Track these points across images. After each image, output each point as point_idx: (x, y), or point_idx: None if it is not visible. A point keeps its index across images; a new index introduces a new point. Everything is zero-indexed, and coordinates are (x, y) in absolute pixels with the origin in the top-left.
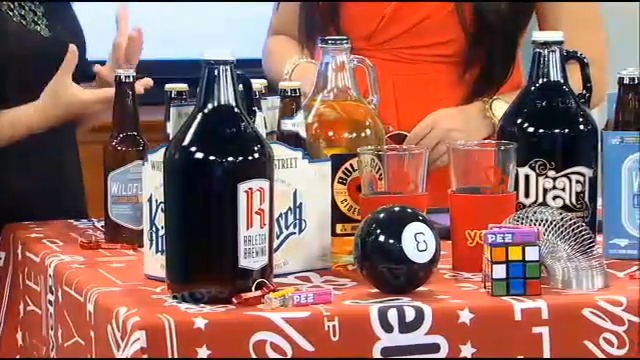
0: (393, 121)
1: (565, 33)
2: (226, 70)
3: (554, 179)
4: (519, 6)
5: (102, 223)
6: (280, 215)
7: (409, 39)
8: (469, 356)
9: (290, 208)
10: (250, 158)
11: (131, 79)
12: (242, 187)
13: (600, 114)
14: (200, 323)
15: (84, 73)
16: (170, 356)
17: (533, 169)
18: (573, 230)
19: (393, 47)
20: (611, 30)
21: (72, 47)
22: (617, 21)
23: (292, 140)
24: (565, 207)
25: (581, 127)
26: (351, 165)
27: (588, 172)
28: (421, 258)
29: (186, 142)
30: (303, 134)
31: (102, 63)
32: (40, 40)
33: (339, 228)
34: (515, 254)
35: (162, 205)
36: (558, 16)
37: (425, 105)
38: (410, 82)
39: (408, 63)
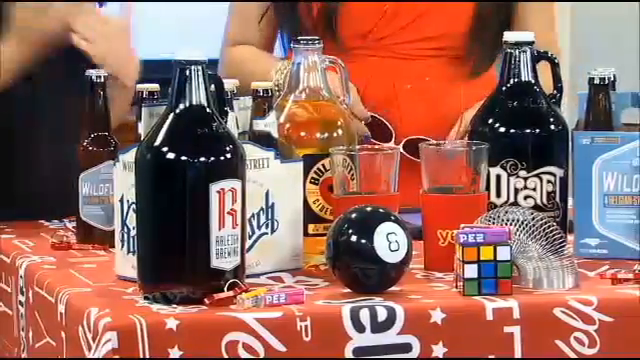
0: (396, 118)
1: (528, 25)
2: (198, 70)
3: (525, 179)
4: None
5: (73, 224)
6: (252, 215)
7: (407, 34)
8: (441, 356)
9: (262, 208)
10: (222, 158)
11: (102, 79)
12: (214, 187)
13: (571, 114)
14: (172, 324)
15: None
16: (142, 357)
17: (504, 169)
18: (544, 230)
19: (390, 43)
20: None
21: None
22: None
23: (264, 140)
24: (536, 207)
25: (552, 127)
26: (323, 165)
27: (559, 172)
28: (393, 258)
29: (158, 142)
30: (275, 134)
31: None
32: None
33: (311, 228)
34: (486, 254)
35: (134, 206)
36: (524, 14)
37: (427, 100)
38: (410, 78)
39: (406, 59)
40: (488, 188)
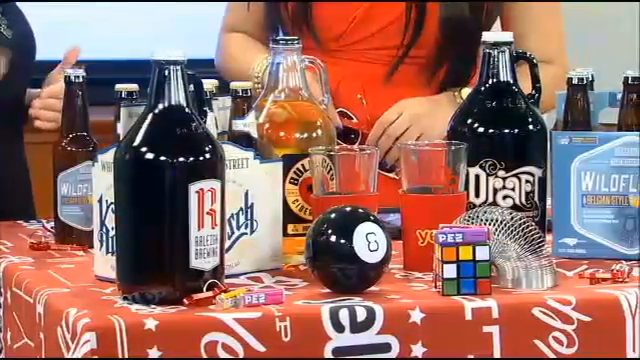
0: (362, 121)
1: (529, 37)
2: (177, 70)
3: (504, 179)
4: (483, 9)
5: (52, 224)
6: (231, 215)
7: (378, 40)
8: (420, 356)
9: (241, 208)
10: (201, 158)
11: (80, 79)
12: (193, 188)
13: (549, 114)
14: (151, 324)
15: (31, 76)
16: (121, 357)
17: (483, 169)
18: (523, 230)
19: (361, 48)
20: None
21: (74, 48)
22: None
23: (243, 140)
24: (515, 207)
25: (530, 127)
26: (302, 165)
27: (537, 172)
28: (372, 258)
29: (136, 142)
30: (254, 134)
31: (54, 64)
32: (4, 41)
33: (290, 228)
34: (465, 254)
35: (112, 206)
36: (522, 20)
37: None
38: (379, 83)
39: (377, 64)
40: (467, 188)
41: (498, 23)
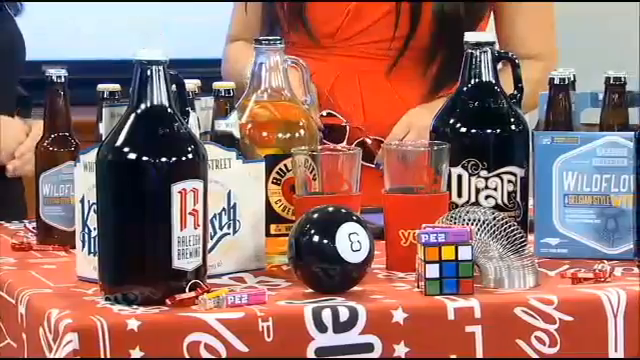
0: (359, 117)
1: (521, 33)
2: (159, 70)
3: (486, 179)
4: (476, 5)
5: (34, 224)
6: (214, 216)
7: (372, 34)
8: (403, 355)
9: (224, 209)
10: (184, 159)
11: (62, 79)
12: (175, 188)
13: (531, 114)
14: (133, 324)
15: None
16: (103, 357)
17: (466, 169)
18: (505, 229)
19: (357, 43)
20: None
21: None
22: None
23: (226, 140)
24: (497, 207)
25: (512, 127)
26: (285, 165)
27: (520, 172)
28: (355, 258)
29: (119, 143)
30: (237, 134)
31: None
32: None
33: (273, 228)
34: (448, 254)
35: (94, 206)
36: (514, 16)
37: (390, 100)
38: (375, 78)
39: (373, 59)
40: (449, 188)
41: (492, 20)
